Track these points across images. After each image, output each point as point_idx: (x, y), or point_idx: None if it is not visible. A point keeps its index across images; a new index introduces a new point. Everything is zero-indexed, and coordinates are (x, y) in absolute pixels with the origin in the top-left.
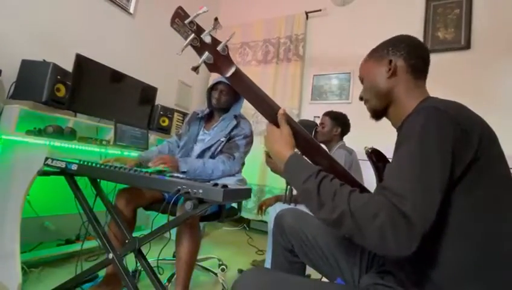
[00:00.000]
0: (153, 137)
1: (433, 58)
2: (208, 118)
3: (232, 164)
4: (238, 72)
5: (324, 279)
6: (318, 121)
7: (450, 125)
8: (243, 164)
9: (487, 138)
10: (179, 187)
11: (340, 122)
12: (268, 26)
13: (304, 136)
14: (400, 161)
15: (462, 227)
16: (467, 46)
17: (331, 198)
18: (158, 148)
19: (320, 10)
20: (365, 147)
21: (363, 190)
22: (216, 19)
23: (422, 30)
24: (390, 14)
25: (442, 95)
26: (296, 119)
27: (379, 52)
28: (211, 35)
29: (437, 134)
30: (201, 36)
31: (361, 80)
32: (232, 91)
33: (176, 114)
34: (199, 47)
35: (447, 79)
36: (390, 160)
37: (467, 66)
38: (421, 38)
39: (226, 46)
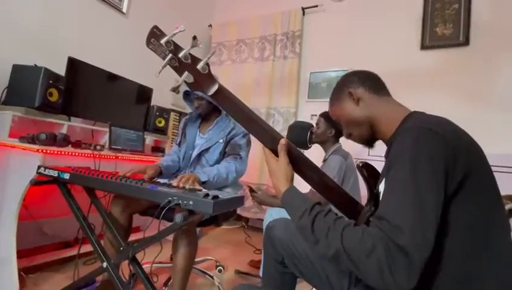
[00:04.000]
0: (149, 139)
1: (432, 54)
2: (202, 121)
3: (241, 163)
4: (221, 90)
5: None
6: (315, 120)
7: (440, 145)
8: None
9: (474, 153)
10: (170, 198)
11: (335, 124)
12: (265, 23)
13: (303, 160)
14: (393, 188)
15: (452, 246)
16: (466, 42)
17: (325, 235)
18: (171, 158)
19: (316, 6)
20: (356, 161)
21: (356, 205)
22: (194, 38)
23: (420, 26)
24: (387, 10)
25: (441, 92)
26: (293, 118)
27: (338, 94)
28: (190, 54)
29: (428, 155)
30: (179, 56)
31: (339, 123)
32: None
33: (172, 114)
34: (178, 67)
35: (445, 76)
36: (380, 171)
37: (465, 63)
38: (419, 35)
39: (207, 64)
